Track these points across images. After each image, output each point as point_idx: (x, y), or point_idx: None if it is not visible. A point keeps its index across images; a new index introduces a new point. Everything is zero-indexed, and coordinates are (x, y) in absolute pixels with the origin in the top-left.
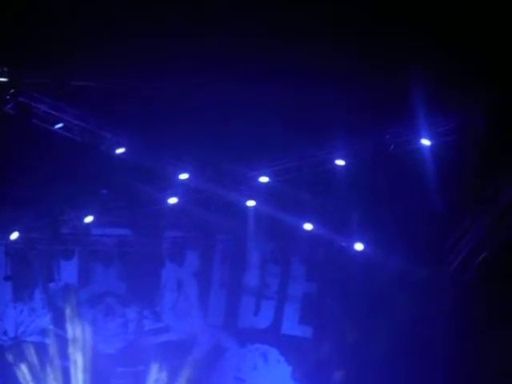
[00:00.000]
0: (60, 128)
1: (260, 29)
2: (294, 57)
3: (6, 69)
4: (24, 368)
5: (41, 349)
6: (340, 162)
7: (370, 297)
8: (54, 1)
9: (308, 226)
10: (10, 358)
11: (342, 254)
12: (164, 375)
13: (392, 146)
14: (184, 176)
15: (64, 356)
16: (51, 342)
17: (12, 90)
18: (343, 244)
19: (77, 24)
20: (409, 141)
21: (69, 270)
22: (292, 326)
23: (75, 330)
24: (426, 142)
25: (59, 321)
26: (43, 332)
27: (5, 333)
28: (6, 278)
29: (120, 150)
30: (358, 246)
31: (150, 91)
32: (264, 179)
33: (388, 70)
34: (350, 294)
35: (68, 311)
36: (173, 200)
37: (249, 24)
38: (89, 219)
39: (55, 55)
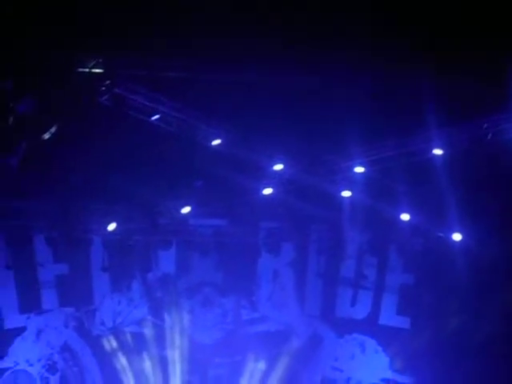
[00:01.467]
0: (156, 119)
1: (350, 15)
2: (386, 44)
3: (100, 60)
4: (122, 357)
5: (139, 338)
6: (437, 152)
7: (468, 287)
8: None
9: (405, 217)
10: (108, 347)
11: (440, 245)
12: (261, 365)
13: (490, 135)
14: (279, 167)
15: (162, 346)
16: (149, 332)
17: (107, 82)
18: (441, 234)
19: (170, 15)
20: (507, 129)
21: (166, 261)
22: (390, 316)
23: (173, 320)
24: None
25: (157, 311)
26: (141, 322)
27: (102, 323)
28: (104, 269)
29: (216, 142)
30: (456, 237)
31: (246, 82)
32: (359, 169)
33: (484, 59)
34: (448, 285)
35: (166, 301)
36: (268, 190)
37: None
38: (186, 210)
39: (150, 46)
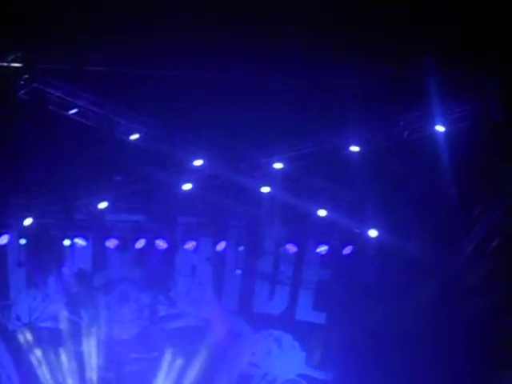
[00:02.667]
0: (75, 114)
1: (275, 14)
2: (309, 42)
3: (19, 54)
4: (38, 353)
5: (55, 334)
6: (354, 149)
7: (384, 283)
8: None
9: (322, 213)
10: (23, 343)
11: (357, 241)
12: (178, 361)
13: (406, 133)
14: (198, 162)
15: (78, 341)
16: (65, 328)
17: (26, 76)
18: (357, 230)
19: (91, 8)
20: (423, 127)
21: (83, 256)
22: (306, 311)
23: (89, 315)
24: (440, 128)
25: (73, 306)
26: (57, 318)
27: (18, 318)
28: (20, 264)
29: (134, 136)
30: (372, 233)
31: (165, 76)
32: (279, 165)
33: (402, 56)
34: (364, 281)
35: (82, 297)
36: (187, 186)
37: (265, 10)
38: (103, 205)
39: (70, 40)
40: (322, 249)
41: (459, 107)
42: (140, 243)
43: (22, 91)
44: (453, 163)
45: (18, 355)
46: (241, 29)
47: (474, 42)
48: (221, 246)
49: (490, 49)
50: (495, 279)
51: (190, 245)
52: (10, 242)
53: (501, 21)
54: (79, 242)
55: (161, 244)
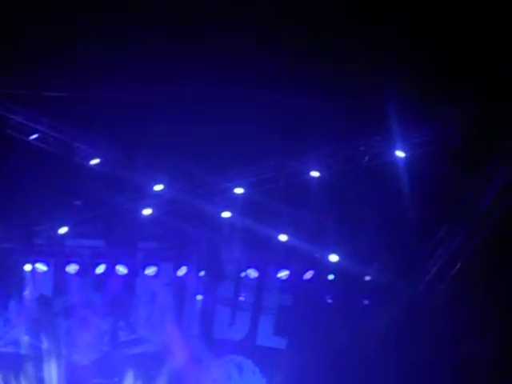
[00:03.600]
0: (35, 139)
1: (236, 32)
2: (270, 66)
3: None
4: None
5: (15, 359)
6: (315, 174)
7: (345, 308)
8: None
9: (283, 237)
10: None
11: (317, 266)
12: None
13: (367, 158)
14: (159, 187)
15: (39, 366)
16: (26, 353)
17: None
18: (318, 255)
19: (52, 33)
20: (383, 152)
21: (44, 281)
22: (267, 337)
23: (50, 340)
24: (400, 153)
25: (34, 332)
26: (18, 343)
27: None
28: None
29: (94, 161)
30: (333, 257)
31: (125, 101)
32: (239, 190)
33: (362, 81)
34: (325, 305)
35: (43, 322)
36: (147, 211)
37: (228, 27)
38: (63, 230)
39: (30, 65)
40: (283, 274)
41: (419, 133)
42: (100, 268)
43: None
44: (414, 188)
45: None
46: (198, 50)
47: (433, 70)
48: (182, 271)
49: (449, 76)
50: (457, 303)
51: (150, 270)
52: None
53: (460, 49)
54: (40, 267)
55: (121, 269)
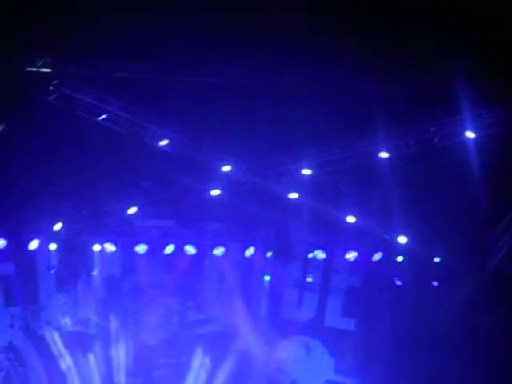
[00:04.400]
0: (104, 119)
1: (299, 15)
2: (335, 45)
3: (49, 59)
4: (67, 358)
5: (84, 339)
6: (384, 155)
7: (414, 291)
8: None
9: (351, 219)
10: (53, 347)
11: (386, 247)
12: (206, 367)
13: (437, 139)
14: (227, 168)
15: (107, 346)
16: (94, 333)
17: (55, 81)
18: (386, 237)
19: (123, 15)
20: (453, 133)
21: (112, 262)
22: (335, 318)
23: (118, 320)
24: (470, 134)
25: (102, 312)
26: (86, 322)
27: (48, 323)
28: (49, 269)
29: (163, 142)
30: (402, 239)
31: (194, 82)
32: (307, 171)
33: (431, 63)
34: (394, 288)
35: (111, 302)
36: (215, 192)
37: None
38: (132, 210)
39: (99, 46)
40: (351, 255)
41: (489, 114)
42: (169, 249)
43: (52, 97)
44: (483, 170)
45: (48, 360)
46: (267, 33)
47: (503, 50)
48: (249, 251)
49: None
50: None
51: (218, 250)
52: (40, 247)
53: None
54: (108, 247)
55: (189, 250)
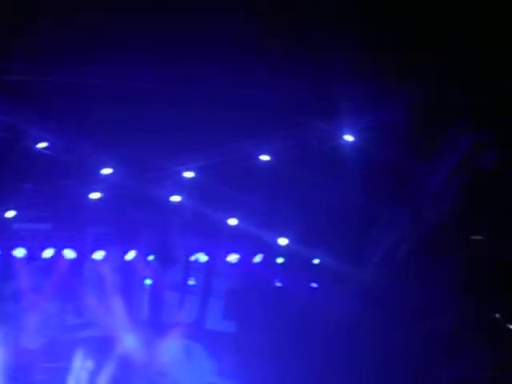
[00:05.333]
0: None
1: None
2: (218, 47)
3: None
4: None
5: None
6: (265, 158)
7: (294, 292)
8: None
9: (232, 221)
10: None
11: (267, 249)
12: (86, 371)
13: (316, 142)
14: (107, 171)
15: None
16: None
17: None
18: (267, 239)
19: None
20: (332, 136)
21: None
22: (216, 321)
23: None
24: (349, 137)
25: None
26: None
27: None
28: None
29: (42, 145)
30: (282, 241)
31: (73, 85)
32: (189, 174)
33: (310, 65)
34: (274, 289)
35: None
36: (95, 195)
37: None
38: (10, 214)
39: None
40: (232, 258)
41: (368, 117)
42: (48, 253)
43: None
44: (362, 172)
45: None
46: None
47: (383, 56)
48: (130, 255)
49: (398, 61)
50: (402, 287)
51: (98, 254)
52: None
53: (410, 29)
54: None
55: (69, 254)
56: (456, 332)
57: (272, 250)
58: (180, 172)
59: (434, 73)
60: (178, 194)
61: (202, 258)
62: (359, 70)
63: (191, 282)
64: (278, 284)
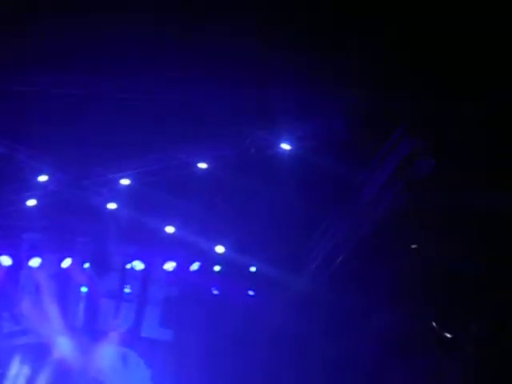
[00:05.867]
0: None
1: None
2: (158, 53)
3: None
4: None
5: None
6: (202, 165)
7: (231, 300)
8: None
9: (169, 229)
10: None
11: (204, 257)
12: (23, 378)
13: (252, 150)
14: (43, 178)
15: None
16: None
17: None
18: (204, 247)
19: None
20: (269, 145)
21: None
22: (152, 329)
23: None
24: (286, 146)
25: None
26: None
27: None
28: None
29: None
30: (219, 249)
31: (9, 89)
32: (125, 181)
33: (249, 73)
34: (211, 297)
35: None
36: (32, 202)
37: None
38: None
39: None
40: (169, 265)
41: (305, 126)
42: None
43: None
44: (300, 180)
45: None
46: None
47: (320, 65)
48: (66, 262)
49: (335, 67)
50: (341, 293)
51: (34, 261)
52: None
53: (348, 36)
54: None
55: (5, 260)
56: (397, 335)
57: (209, 258)
58: (117, 179)
59: (371, 79)
60: (115, 202)
61: (139, 265)
62: (295, 75)
63: (127, 290)
64: (215, 292)
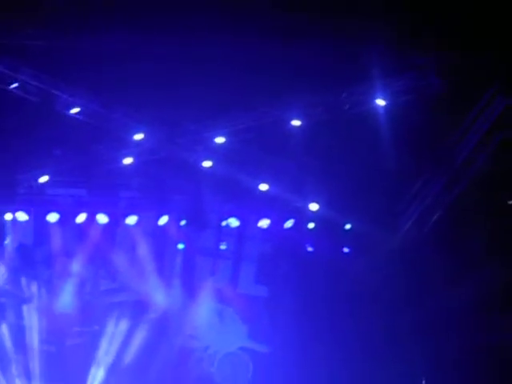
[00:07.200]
0: (15, 88)
1: None
2: (247, 12)
3: None
4: None
5: None
6: (296, 123)
7: (325, 257)
8: None
9: (264, 187)
10: None
11: (298, 214)
12: (120, 335)
13: (347, 106)
14: (139, 136)
15: (19, 315)
16: (7, 302)
17: None
18: (298, 204)
19: None
20: (364, 100)
21: (24, 230)
22: (248, 285)
23: (31, 289)
24: (380, 101)
25: (15, 280)
26: None
27: None
28: None
29: (75, 110)
30: (313, 206)
31: (105, 51)
32: (220, 139)
33: (341, 30)
34: (305, 254)
35: (23, 271)
36: (128, 160)
37: None
38: (43, 179)
39: (10, 15)
40: (264, 223)
41: (399, 81)
42: (81, 217)
43: None
44: (394, 137)
45: None
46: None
47: (413, 18)
48: (163, 220)
49: (429, 24)
50: (433, 255)
51: (131, 219)
52: None
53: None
54: (20, 216)
55: (102, 218)
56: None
57: (303, 215)
58: (212, 137)
59: (465, 37)
60: (210, 159)
61: (234, 222)
62: (391, 34)
63: (223, 247)
64: (310, 249)
